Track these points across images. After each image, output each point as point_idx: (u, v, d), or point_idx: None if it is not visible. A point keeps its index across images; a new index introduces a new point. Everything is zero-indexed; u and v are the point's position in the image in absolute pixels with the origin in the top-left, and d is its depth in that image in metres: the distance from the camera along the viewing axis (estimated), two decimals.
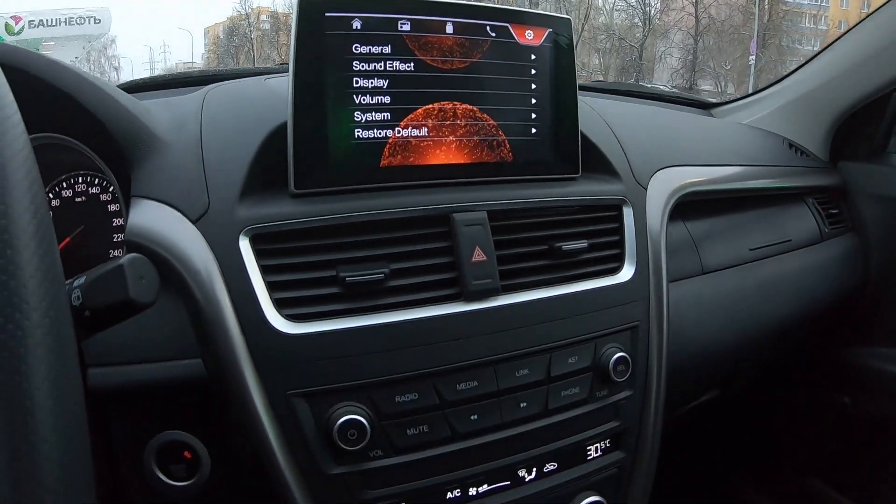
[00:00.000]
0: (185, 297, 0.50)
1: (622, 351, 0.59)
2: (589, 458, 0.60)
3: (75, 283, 0.44)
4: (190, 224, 0.51)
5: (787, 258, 0.88)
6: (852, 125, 1.06)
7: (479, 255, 0.54)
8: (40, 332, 0.27)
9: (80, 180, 0.62)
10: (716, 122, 1.08)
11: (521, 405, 0.55)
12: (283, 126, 0.53)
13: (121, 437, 0.53)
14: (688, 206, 0.78)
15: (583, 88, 0.67)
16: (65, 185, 0.63)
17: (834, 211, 1.02)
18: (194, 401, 0.53)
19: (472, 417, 0.53)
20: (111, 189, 0.65)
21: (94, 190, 0.65)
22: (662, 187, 0.71)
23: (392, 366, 0.51)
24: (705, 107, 1.19)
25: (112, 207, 0.65)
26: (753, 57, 13.49)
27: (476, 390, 0.53)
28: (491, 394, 0.54)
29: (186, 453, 0.54)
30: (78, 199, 0.61)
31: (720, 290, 0.76)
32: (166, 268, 0.50)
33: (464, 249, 0.54)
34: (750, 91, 1.35)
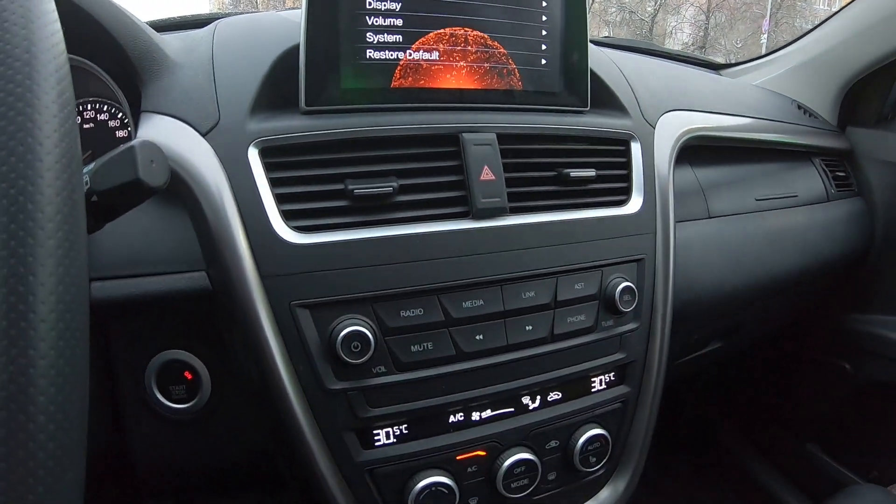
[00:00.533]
0: (193, 208, 0.51)
1: (628, 281, 0.60)
2: (594, 390, 0.61)
3: (84, 170, 0.44)
4: (199, 137, 0.52)
5: (792, 212, 0.89)
6: (861, 90, 1.07)
7: (487, 175, 0.55)
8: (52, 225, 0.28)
9: (89, 107, 0.62)
10: (725, 79, 1.09)
11: (527, 328, 0.56)
12: (296, 47, 0.54)
13: (121, 357, 0.54)
14: (695, 152, 0.79)
15: (594, 42, 0.67)
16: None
17: (841, 174, 1.04)
18: (196, 317, 0.54)
19: (477, 337, 0.54)
20: (119, 115, 0.66)
21: (102, 116, 0.66)
22: (670, 127, 0.71)
23: (398, 279, 0.51)
24: (715, 67, 1.20)
25: (120, 134, 0.65)
26: (765, 36, 13.42)
27: (482, 309, 0.54)
28: (497, 314, 0.54)
29: (187, 374, 0.55)
30: (86, 126, 0.61)
31: (726, 234, 0.77)
32: (174, 180, 0.50)
33: (473, 168, 0.54)
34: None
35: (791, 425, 1.22)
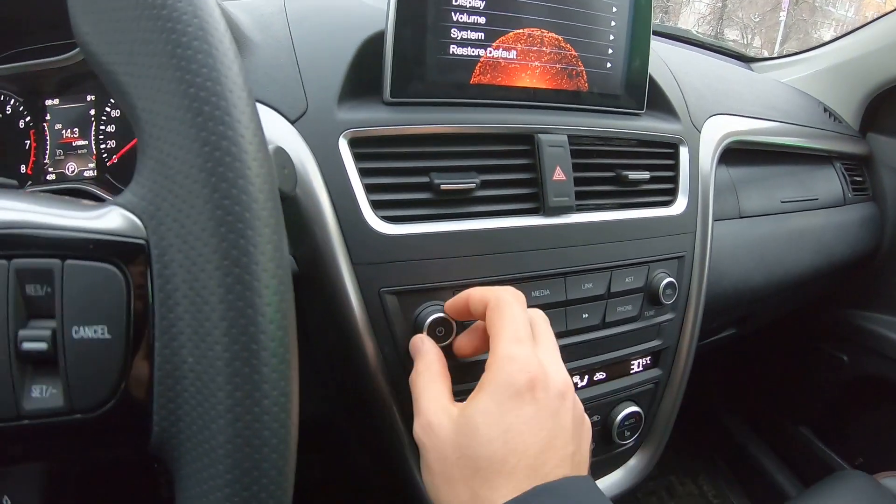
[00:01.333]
0: (288, 205, 0.55)
1: (670, 276, 0.68)
2: (632, 372, 0.70)
3: None
4: (288, 124, 0.55)
5: (812, 214, 0.97)
6: (886, 99, 1.15)
7: (559, 175, 0.62)
8: (265, 211, 0.30)
9: None
10: (758, 77, 1.15)
11: (584, 315, 0.63)
12: (378, 35, 0.57)
13: None
14: (730, 153, 0.86)
15: None
16: None
17: (858, 178, 1.12)
18: None
19: None
20: None
21: None
22: (714, 132, 0.78)
23: (477, 270, 0.58)
24: (745, 60, 1.26)
25: None
26: (784, 13, 13.35)
27: (547, 298, 0.61)
28: (560, 303, 0.62)
29: None
30: None
31: (754, 234, 0.86)
32: None
33: (547, 168, 0.61)
34: (777, 47, 1.42)
35: (786, 409, 1.34)
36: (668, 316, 0.70)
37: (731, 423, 1.41)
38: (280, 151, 0.44)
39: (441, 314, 0.55)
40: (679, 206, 0.71)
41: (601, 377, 0.68)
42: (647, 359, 0.71)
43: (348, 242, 0.54)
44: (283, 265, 0.31)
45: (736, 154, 0.88)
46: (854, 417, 1.28)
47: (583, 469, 0.41)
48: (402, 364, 0.56)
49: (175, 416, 0.30)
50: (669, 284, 0.67)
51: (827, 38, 1.20)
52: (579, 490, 0.37)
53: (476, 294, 0.48)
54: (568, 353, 0.63)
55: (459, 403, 0.43)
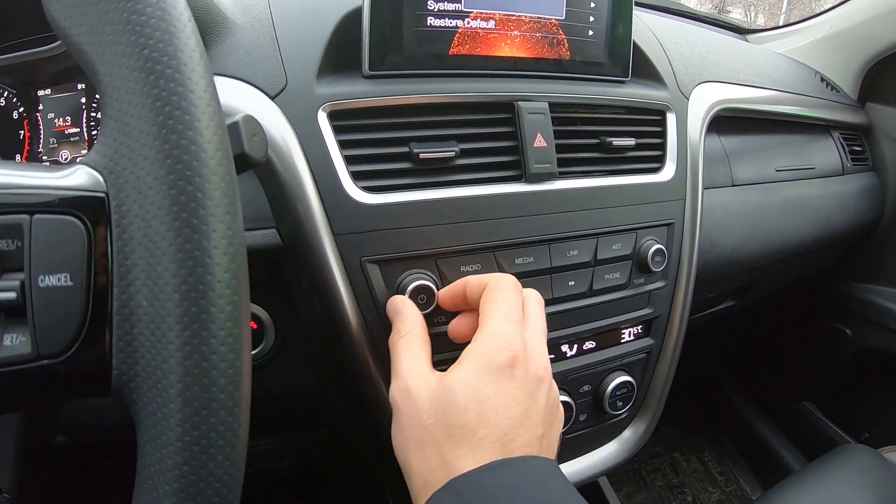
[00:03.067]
0: (264, 168, 0.55)
1: (659, 244, 0.66)
2: (623, 341, 0.68)
3: None
4: (268, 100, 0.55)
5: (809, 184, 0.95)
6: (884, 68, 1.11)
7: (540, 142, 0.60)
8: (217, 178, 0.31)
9: None
10: (752, 47, 1.13)
11: (570, 283, 0.62)
12: (356, 10, 0.57)
13: None
14: (722, 122, 0.84)
15: None
16: None
17: (857, 148, 1.09)
18: (262, 271, 0.59)
19: None
20: None
21: None
22: (703, 99, 0.76)
23: (459, 237, 0.57)
24: (740, 31, 1.23)
25: None
26: None
27: (532, 265, 0.60)
28: (544, 270, 0.61)
29: (252, 324, 0.60)
30: None
31: (747, 202, 0.83)
32: None
33: (527, 135, 0.60)
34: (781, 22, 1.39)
35: (790, 384, 1.31)
36: (658, 284, 0.68)
37: (736, 399, 1.39)
38: (249, 119, 0.44)
39: (422, 281, 0.55)
40: (667, 172, 0.69)
41: (591, 346, 0.66)
42: (639, 328, 0.69)
43: (329, 213, 0.54)
44: (233, 210, 0.32)
45: (728, 123, 0.86)
46: (858, 392, 1.25)
47: (550, 453, 0.41)
48: (385, 332, 0.56)
49: (132, 359, 0.31)
50: (658, 252, 0.66)
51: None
52: (540, 469, 0.37)
53: (474, 280, 0.48)
54: (555, 322, 0.62)
55: (438, 372, 0.43)
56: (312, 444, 1.09)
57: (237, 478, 0.32)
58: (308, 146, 0.54)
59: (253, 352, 0.60)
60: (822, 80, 1.08)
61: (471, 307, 0.49)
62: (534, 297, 0.47)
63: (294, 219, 0.54)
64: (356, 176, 0.55)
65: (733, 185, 0.82)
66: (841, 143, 1.05)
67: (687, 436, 1.39)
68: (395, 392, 0.43)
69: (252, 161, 0.42)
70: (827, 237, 0.97)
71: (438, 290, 0.55)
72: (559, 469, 0.38)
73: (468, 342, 0.44)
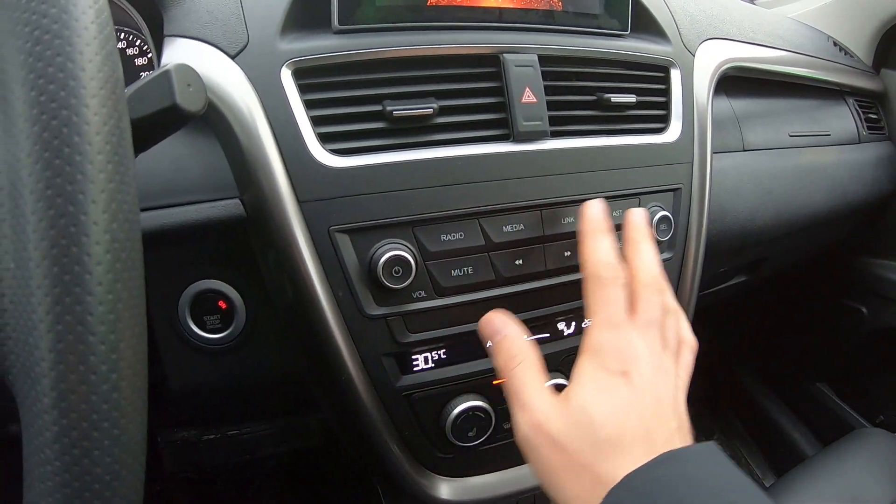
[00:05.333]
0: (225, 134, 0.48)
1: (665, 210, 0.57)
2: None
3: None
4: (228, 59, 0.47)
5: (824, 151, 0.84)
6: None
7: (529, 97, 0.51)
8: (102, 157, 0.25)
9: None
10: (761, 9, 1.02)
11: (566, 254, 0.53)
12: None
13: (154, 288, 0.51)
14: (732, 83, 0.74)
15: None
16: None
17: (873, 116, 0.98)
18: (230, 246, 0.51)
19: (516, 262, 0.51)
20: (138, 42, 0.62)
21: (119, 45, 0.62)
22: (710, 57, 0.66)
23: (438, 203, 0.48)
24: None
25: (140, 62, 0.61)
26: None
27: (522, 234, 0.51)
28: (536, 239, 0.52)
29: (221, 303, 0.53)
30: None
31: (760, 168, 0.73)
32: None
33: (514, 89, 0.50)
34: None
35: (803, 365, 1.21)
36: (665, 255, 0.59)
37: (747, 381, 1.28)
38: (183, 68, 0.38)
39: (398, 252, 0.46)
40: (672, 133, 0.59)
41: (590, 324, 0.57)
42: None
43: (293, 179, 0.47)
44: (118, 159, 0.25)
45: (738, 84, 0.75)
46: (874, 373, 1.14)
47: (690, 440, 0.39)
48: (359, 310, 0.48)
49: (4, 333, 0.25)
50: (664, 219, 0.56)
51: None
52: (705, 456, 0.35)
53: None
54: (550, 296, 0.54)
55: (557, 393, 0.41)
56: (309, 430, 1.01)
57: (126, 478, 0.24)
58: (270, 107, 0.47)
59: (223, 334, 0.53)
60: (836, 44, 0.97)
61: None
62: (646, 277, 0.44)
63: (256, 187, 0.46)
64: (324, 138, 0.47)
65: (744, 150, 0.72)
66: (856, 110, 0.94)
67: (696, 419, 1.29)
68: (526, 427, 0.40)
69: (186, 113, 0.37)
70: (843, 208, 0.86)
71: (416, 260, 0.47)
72: (719, 450, 0.36)
73: None
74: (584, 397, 0.38)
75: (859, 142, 0.92)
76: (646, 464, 0.34)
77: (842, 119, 0.91)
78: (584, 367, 0.40)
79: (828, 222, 0.86)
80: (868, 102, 0.98)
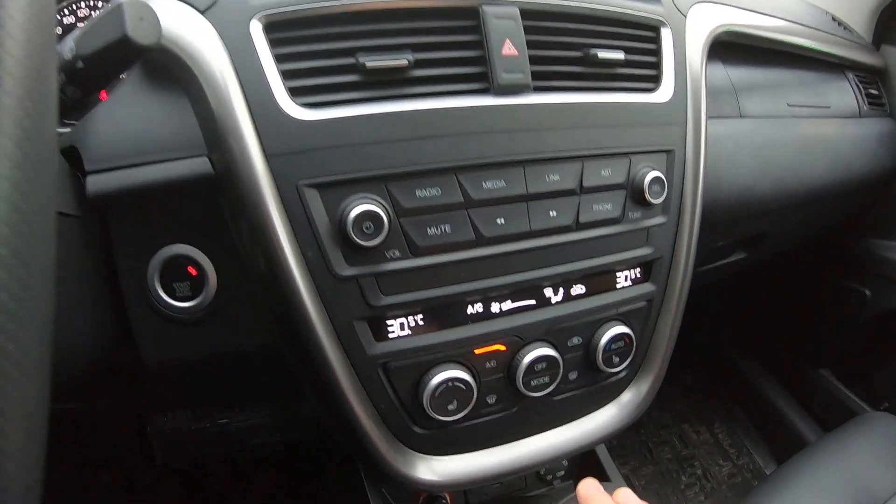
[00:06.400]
0: (193, 90, 0.44)
1: (657, 171, 0.52)
2: (618, 286, 0.54)
3: (69, 37, 0.38)
4: (198, 14, 0.44)
5: (825, 122, 0.79)
6: None
7: (509, 49, 0.46)
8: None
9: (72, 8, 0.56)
10: None
11: (551, 213, 0.48)
12: None
13: (122, 255, 0.48)
14: (727, 50, 0.69)
15: None
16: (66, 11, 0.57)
17: (873, 92, 0.93)
18: (199, 209, 0.47)
19: (498, 221, 0.47)
20: (101, 5, 0.60)
21: (82, 12, 0.60)
22: (703, 19, 0.62)
23: (414, 156, 0.44)
24: None
25: None
26: None
27: (503, 191, 0.46)
28: (519, 196, 0.47)
29: (191, 269, 0.49)
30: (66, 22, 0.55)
31: (758, 135, 0.68)
32: (173, 61, 0.44)
33: (494, 41, 0.46)
34: None
35: (805, 350, 1.15)
36: (658, 220, 0.54)
37: (747, 367, 1.22)
38: (137, 2, 0.35)
39: (368, 207, 0.42)
40: (664, 92, 0.55)
41: (580, 291, 0.52)
42: (637, 271, 0.55)
43: (261, 132, 0.43)
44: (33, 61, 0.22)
45: (733, 52, 0.71)
46: (878, 357, 1.08)
47: None
48: (329, 270, 0.43)
49: None
50: (656, 179, 0.52)
51: None
52: None
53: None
54: (535, 260, 0.49)
55: None
56: (301, 419, 0.97)
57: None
58: (239, 61, 0.43)
59: (193, 302, 0.48)
60: (834, 19, 0.92)
61: None
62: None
63: (223, 142, 0.43)
64: (295, 92, 0.44)
65: (741, 117, 0.68)
66: (856, 85, 0.89)
67: (696, 406, 1.24)
68: None
69: (138, 45, 0.35)
70: (845, 183, 0.81)
71: (389, 217, 0.43)
72: None
73: None
74: None
75: (860, 116, 0.87)
76: None
77: (842, 94, 0.86)
78: None
79: (829, 197, 0.80)
80: (868, 78, 0.93)
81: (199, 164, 0.45)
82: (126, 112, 0.46)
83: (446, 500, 0.65)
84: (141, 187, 0.43)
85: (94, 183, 0.43)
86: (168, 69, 0.46)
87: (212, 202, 0.47)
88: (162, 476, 0.97)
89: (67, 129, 0.49)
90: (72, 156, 0.45)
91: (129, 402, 0.73)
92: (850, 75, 0.89)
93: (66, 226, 0.43)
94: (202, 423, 0.96)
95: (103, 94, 0.50)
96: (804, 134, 0.74)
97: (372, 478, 0.62)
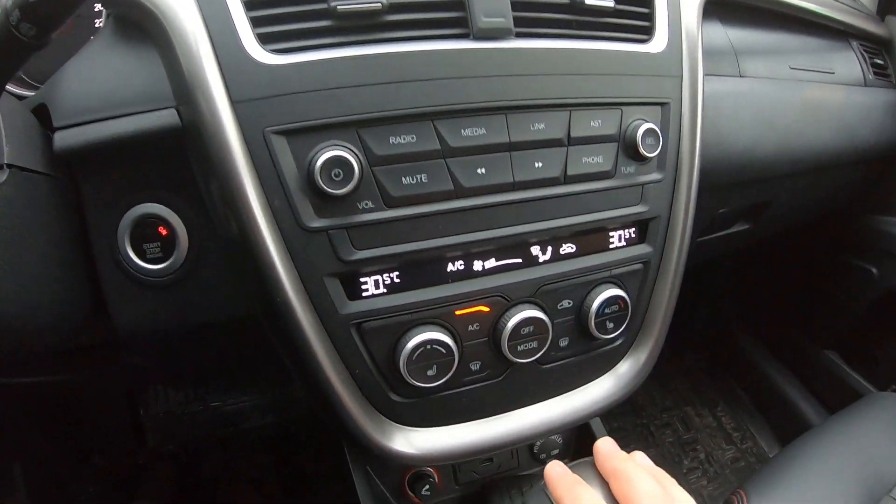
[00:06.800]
0: (161, 40, 0.41)
1: (651, 123, 0.48)
2: (612, 246, 0.50)
3: None
4: None
5: (829, 88, 0.75)
6: None
7: None
8: None
9: None
10: None
11: (536, 164, 0.45)
12: None
13: (93, 215, 0.45)
14: (726, 10, 0.65)
15: None
16: None
17: (879, 62, 0.88)
18: (169, 165, 0.44)
19: (478, 171, 0.43)
20: None
21: None
22: None
23: (387, 101, 0.40)
24: None
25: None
26: None
27: (484, 139, 0.43)
28: (501, 145, 0.43)
29: (161, 229, 0.46)
30: None
31: (759, 94, 0.64)
32: (140, 12, 0.41)
33: None
34: None
35: (810, 330, 1.10)
36: (654, 176, 0.50)
37: (751, 348, 1.17)
38: None
39: (337, 153, 0.39)
40: (658, 42, 0.51)
41: (570, 250, 0.49)
42: (631, 231, 0.51)
43: (227, 78, 0.40)
44: None
45: (732, 12, 0.67)
46: (885, 338, 1.03)
47: None
48: (297, 222, 0.40)
49: None
50: (650, 132, 0.48)
51: None
52: None
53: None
54: (520, 214, 0.45)
55: None
56: (293, 401, 0.93)
57: None
58: (207, 8, 0.40)
59: (164, 264, 0.45)
60: None
61: None
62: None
63: (190, 91, 0.40)
64: (264, 39, 0.41)
65: (741, 76, 0.63)
66: (861, 54, 0.84)
67: (699, 388, 1.19)
68: None
69: None
70: (851, 152, 0.77)
71: (360, 164, 0.39)
72: None
73: None
74: None
75: (865, 85, 0.82)
76: None
77: (847, 62, 0.81)
78: None
79: (835, 166, 0.76)
80: (873, 48, 0.88)
81: (166, 117, 0.42)
82: (95, 67, 0.44)
83: (434, 479, 0.61)
84: (108, 141, 0.41)
85: (62, 138, 0.41)
86: (137, 23, 0.43)
87: (181, 159, 0.44)
88: (154, 460, 0.94)
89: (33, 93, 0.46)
90: (43, 114, 0.43)
91: (111, 375, 0.70)
92: (855, 44, 0.85)
93: (38, 186, 0.41)
94: (195, 406, 0.94)
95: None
96: (808, 98, 0.70)
97: (355, 454, 0.59)
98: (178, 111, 0.42)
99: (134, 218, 0.45)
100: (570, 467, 0.42)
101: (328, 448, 0.90)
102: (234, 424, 0.94)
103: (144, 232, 0.45)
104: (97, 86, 0.42)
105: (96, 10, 0.58)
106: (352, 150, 0.40)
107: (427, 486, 0.60)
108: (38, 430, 0.83)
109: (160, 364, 0.63)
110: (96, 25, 0.58)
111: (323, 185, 0.39)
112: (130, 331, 0.48)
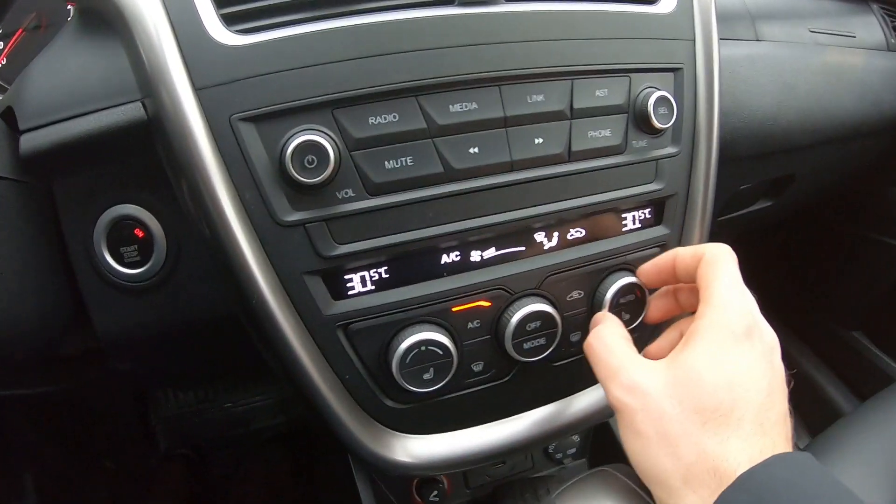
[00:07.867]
0: (123, 30, 0.36)
1: (663, 91, 0.42)
2: (625, 230, 0.44)
3: None
4: None
5: (851, 52, 0.67)
6: None
7: None
8: None
9: None
10: None
11: (537, 141, 0.38)
12: None
13: (68, 219, 0.41)
14: None
15: None
16: None
17: None
18: (140, 163, 0.40)
19: (471, 150, 0.37)
20: None
21: None
22: None
23: (363, 77, 0.35)
24: None
25: None
26: None
27: (475, 114, 0.37)
28: (496, 121, 0.37)
29: (138, 231, 0.41)
30: None
31: (778, 58, 0.57)
32: (105, 5, 0.37)
33: None
34: None
35: (836, 311, 1.01)
36: (669, 150, 0.44)
37: (774, 330, 1.09)
38: None
39: (309, 137, 0.33)
40: (666, 3, 0.44)
41: (578, 235, 0.42)
42: (646, 212, 0.45)
43: (189, 64, 0.35)
44: None
45: None
46: None
47: (790, 430, 0.33)
48: (270, 216, 0.35)
49: None
50: (662, 100, 0.41)
51: None
52: (814, 468, 0.30)
53: (685, 251, 0.38)
54: (520, 197, 0.39)
55: (658, 357, 0.34)
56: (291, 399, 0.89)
57: None
58: None
59: (143, 268, 0.41)
60: None
61: (679, 281, 0.39)
62: None
63: (153, 82, 0.35)
64: (228, 19, 0.35)
65: (758, 40, 0.56)
66: (883, 18, 0.76)
67: None
68: (619, 391, 0.33)
69: None
70: (876, 119, 0.69)
71: (337, 149, 0.34)
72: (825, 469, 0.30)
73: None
74: (697, 357, 0.32)
75: (888, 49, 0.74)
76: (761, 464, 0.29)
77: (868, 25, 0.73)
78: (706, 325, 0.33)
79: (860, 135, 0.68)
80: (894, 12, 0.80)
81: (132, 111, 0.37)
82: (59, 65, 0.40)
83: (443, 484, 0.55)
84: (75, 141, 0.37)
85: (28, 141, 0.37)
86: (99, 15, 0.39)
87: (153, 156, 0.39)
88: (165, 462, 0.91)
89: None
90: (10, 118, 0.38)
91: (115, 381, 0.66)
92: (876, 7, 0.76)
93: (9, 192, 0.37)
94: (204, 408, 0.90)
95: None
96: (829, 60, 0.62)
97: (358, 461, 0.54)
98: (143, 104, 0.37)
99: (109, 220, 0.41)
100: (577, 480, 0.36)
101: (337, 448, 0.85)
102: (245, 425, 0.90)
103: (121, 234, 0.41)
104: (61, 83, 0.38)
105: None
106: (326, 134, 0.34)
107: (436, 493, 0.55)
108: (48, 439, 0.80)
109: (150, 369, 0.58)
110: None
111: (295, 174, 0.33)
112: (113, 337, 0.44)
